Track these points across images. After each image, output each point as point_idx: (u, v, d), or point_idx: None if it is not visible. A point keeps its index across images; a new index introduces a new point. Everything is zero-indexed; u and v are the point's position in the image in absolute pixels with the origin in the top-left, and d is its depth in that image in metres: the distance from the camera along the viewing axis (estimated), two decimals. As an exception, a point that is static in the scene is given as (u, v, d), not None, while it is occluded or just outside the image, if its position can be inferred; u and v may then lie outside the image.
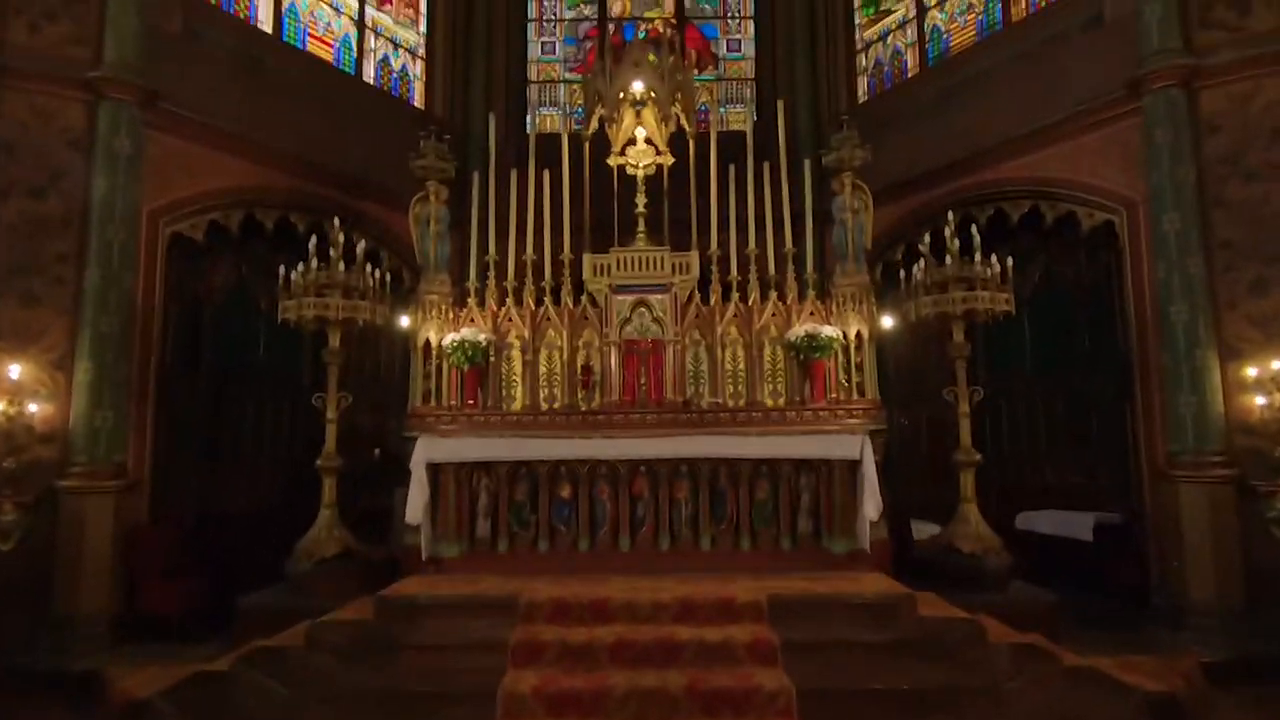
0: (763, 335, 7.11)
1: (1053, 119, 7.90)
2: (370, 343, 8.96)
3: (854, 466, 6.65)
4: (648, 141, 7.62)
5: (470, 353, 6.86)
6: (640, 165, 7.63)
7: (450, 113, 10.54)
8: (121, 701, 4.89)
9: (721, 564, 6.49)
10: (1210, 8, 6.96)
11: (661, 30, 10.14)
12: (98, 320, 6.67)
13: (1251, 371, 6.56)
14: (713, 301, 7.19)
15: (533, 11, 11.50)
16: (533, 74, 11.36)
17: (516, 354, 7.19)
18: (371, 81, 10.04)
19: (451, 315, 7.19)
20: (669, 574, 6.15)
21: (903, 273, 7.02)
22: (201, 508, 7.84)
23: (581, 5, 11.63)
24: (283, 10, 9.07)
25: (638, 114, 7.52)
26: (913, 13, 10.16)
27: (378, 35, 10.21)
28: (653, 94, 7.40)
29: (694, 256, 7.25)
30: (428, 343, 7.07)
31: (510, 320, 7.21)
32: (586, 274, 7.22)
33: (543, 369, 7.19)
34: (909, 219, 9.18)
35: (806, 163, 7.68)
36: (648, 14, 11.54)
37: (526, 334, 7.17)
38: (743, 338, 7.15)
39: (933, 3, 9.95)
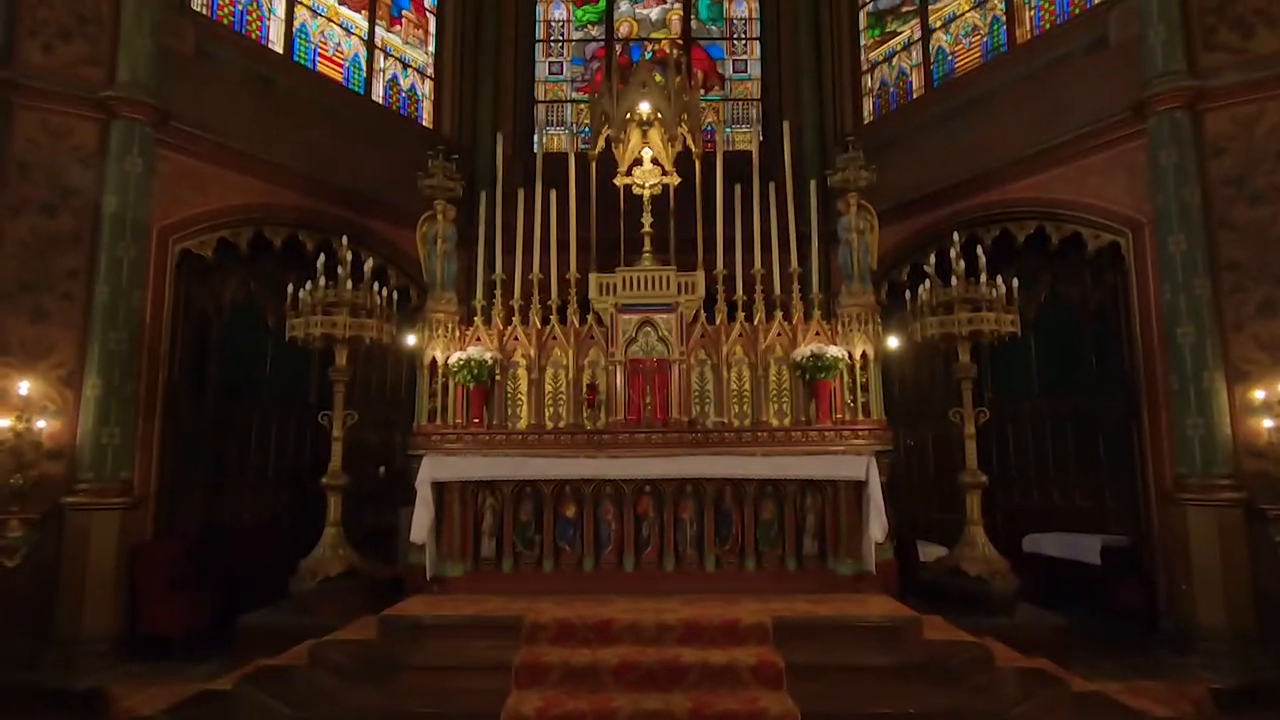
0: (768, 355, 7.11)
1: (1058, 140, 7.92)
2: (377, 360, 9.00)
3: (859, 487, 6.62)
4: (654, 161, 7.69)
5: (476, 371, 6.88)
6: (646, 185, 7.68)
7: (458, 132, 10.63)
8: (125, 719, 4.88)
9: (726, 585, 6.47)
10: (1214, 31, 7.00)
11: (668, 51, 10.24)
12: (106, 337, 6.72)
13: (1259, 394, 6.52)
14: (718, 321, 7.20)
15: (540, 32, 11.62)
16: (540, 94, 11.45)
17: (522, 373, 7.21)
18: (380, 101, 10.14)
19: (458, 334, 7.22)
20: (674, 595, 6.13)
21: (908, 293, 7.02)
22: (207, 525, 7.86)
23: (589, 26, 11.76)
24: (293, 31, 9.18)
25: (644, 134, 7.58)
26: (918, 35, 10.23)
27: (387, 55, 10.31)
28: (659, 114, 7.45)
29: (700, 276, 7.27)
30: (434, 361, 7.09)
31: (516, 339, 7.23)
32: (592, 293, 7.25)
33: (548, 388, 7.20)
34: (914, 239, 9.20)
35: (812, 183, 7.73)
36: (654, 35, 11.64)
37: (532, 353, 7.18)
38: (748, 357, 7.15)
39: (938, 25, 10.02)
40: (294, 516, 8.36)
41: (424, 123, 10.63)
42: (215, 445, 8.16)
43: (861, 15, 10.95)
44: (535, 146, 10.76)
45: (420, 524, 6.53)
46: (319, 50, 9.49)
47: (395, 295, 7.24)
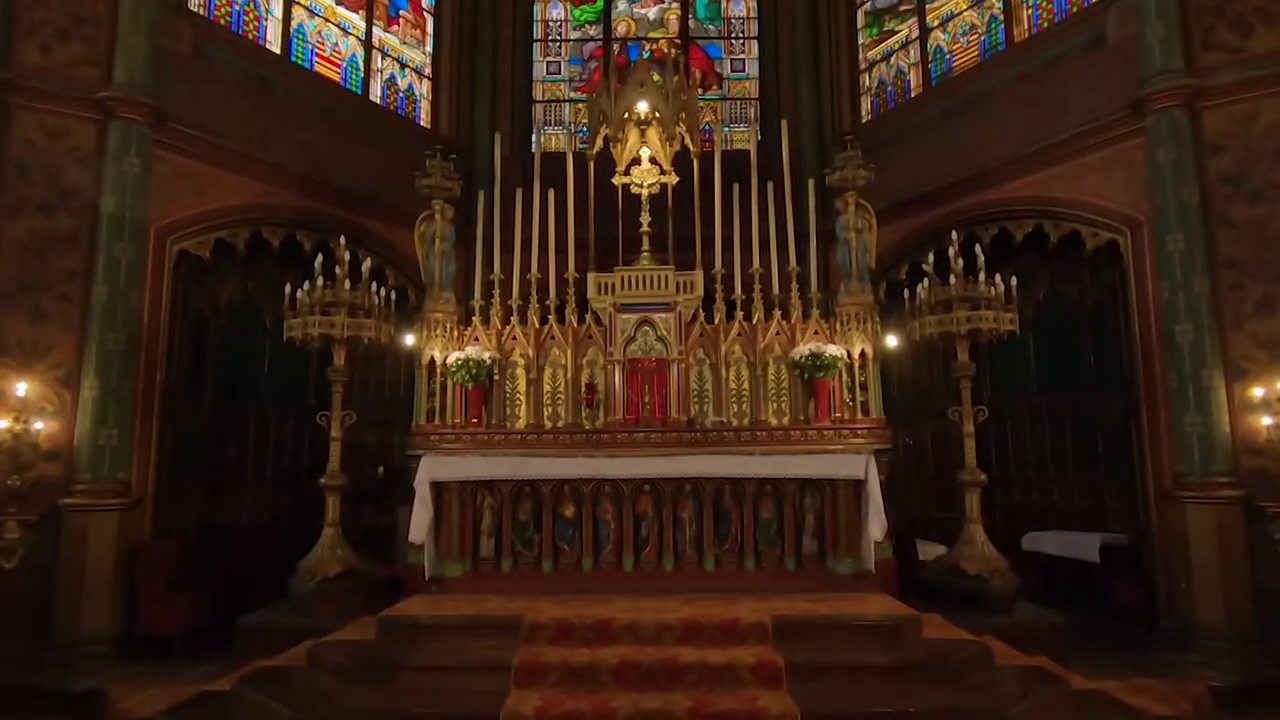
0: (767, 354, 7.11)
1: (1056, 138, 7.92)
2: (375, 360, 8.99)
3: (859, 486, 6.62)
4: (652, 161, 7.67)
5: (474, 371, 6.87)
6: (645, 184, 7.67)
7: (456, 132, 10.62)
8: (123, 721, 4.87)
9: (726, 584, 6.46)
10: (1212, 29, 7.00)
11: (666, 50, 10.25)
12: (104, 337, 6.71)
13: (1258, 391, 6.52)
14: (717, 320, 7.19)
15: (538, 32, 11.61)
16: (538, 93, 11.44)
17: (521, 372, 7.20)
18: (378, 101, 10.13)
19: (456, 333, 7.21)
20: (673, 594, 6.13)
21: (907, 292, 7.01)
22: (205, 525, 7.86)
23: (587, 26, 11.75)
24: (291, 31, 9.17)
25: (642, 133, 7.57)
26: (916, 33, 10.23)
27: (385, 55, 10.30)
28: (657, 114, 7.44)
29: (698, 275, 7.27)
30: (432, 361, 7.09)
31: (514, 338, 7.22)
32: (591, 292, 7.24)
33: (547, 387, 7.19)
34: (913, 238, 9.20)
35: (810, 181, 7.71)
36: (652, 34, 11.63)
37: (531, 352, 7.18)
38: (747, 357, 7.15)
39: (935, 24, 10.02)
40: (292, 517, 8.35)
41: (422, 122, 10.62)
42: (213, 446, 8.15)
43: (859, 14, 10.94)
44: (533, 146, 10.75)
45: (419, 524, 6.53)
46: (316, 50, 9.48)
47: (393, 295, 7.23)
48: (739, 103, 11.44)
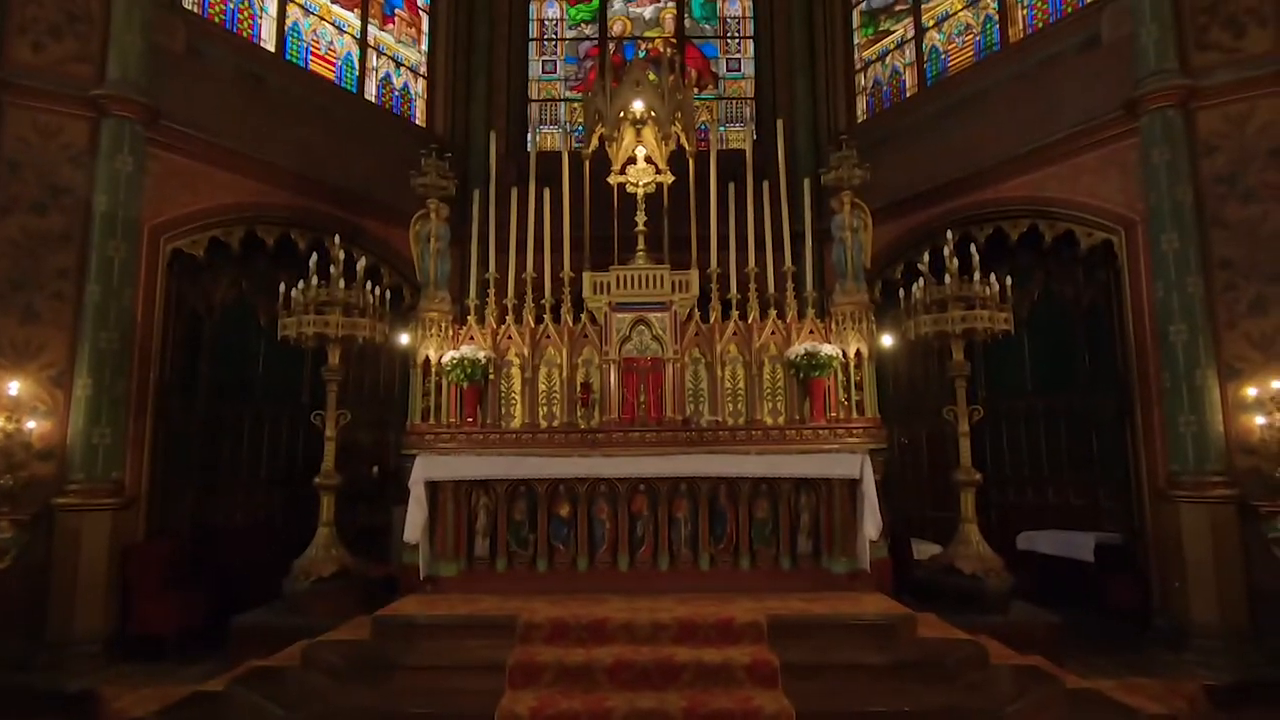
0: (762, 353, 7.11)
1: (1051, 138, 7.93)
2: (370, 360, 8.98)
3: (854, 485, 6.63)
4: (648, 160, 7.68)
5: (469, 370, 6.86)
6: (640, 184, 7.67)
7: (451, 131, 10.59)
8: (116, 722, 4.85)
9: (721, 584, 6.46)
10: (1206, 29, 7.02)
11: (662, 50, 10.23)
12: (97, 336, 6.67)
13: (1251, 391, 6.54)
14: (712, 319, 7.19)
15: (534, 30, 11.57)
16: (533, 92, 11.42)
17: (516, 371, 7.19)
18: (373, 99, 10.09)
19: (451, 332, 7.20)
20: (668, 594, 6.13)
21: (902, 291, 7.03)
22: (199, 525, 7.82)
23: (582, 25, 11.72)
24: (285, 29, 9.14)
25: (638, 132, 7.58)
26: (911, 33, 10.23)
27: (380, 54, 10.27)
28: (653, 113, 7.45)
29: (694, 274, 7.27)
30: (427, 360, 7.07)
31: (510, 338, 7.22)
32: (586, 292, 7.24)
33: (542, 387, 7.19)
34: (908, 237, 9.21)
35: (806, 181, 7.73)
36: (648, 33, 11.62)
37: (526, 351, 7.17)
38: (742, 356, 7.15)
39: (931, 24, 10.03)
40: (287, 516, 8.32)
41: (417, 121, 10.59)
42: (207, 445, 8.12)
43: (855, 14, 10.94)
44: (529, 145, 10.73)
45: (414, 524, 6.51)
46: (311, 48, 9.45)
47: (388, 294, 7.22)
48: (734, 102, 11.43)
